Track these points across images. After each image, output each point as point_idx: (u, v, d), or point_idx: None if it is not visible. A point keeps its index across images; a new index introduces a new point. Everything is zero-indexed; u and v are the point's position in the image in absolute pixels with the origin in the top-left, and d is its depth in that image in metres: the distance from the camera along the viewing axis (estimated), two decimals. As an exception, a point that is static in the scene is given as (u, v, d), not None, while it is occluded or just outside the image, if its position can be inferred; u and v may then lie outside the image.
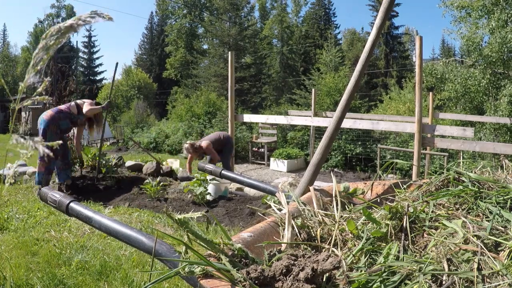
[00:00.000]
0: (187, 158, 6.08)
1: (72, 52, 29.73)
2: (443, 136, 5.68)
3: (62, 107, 5.11)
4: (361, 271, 0.84)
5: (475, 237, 0.86)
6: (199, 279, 0.82)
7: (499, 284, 0.73)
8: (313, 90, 10.27)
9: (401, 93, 19.10)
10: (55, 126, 4.87)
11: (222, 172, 2.02)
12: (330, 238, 1.05)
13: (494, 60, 10.37)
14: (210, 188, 4.68)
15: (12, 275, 2.35)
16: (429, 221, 0.99)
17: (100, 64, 40.69)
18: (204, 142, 5.82)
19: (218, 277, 0.81)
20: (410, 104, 15.19)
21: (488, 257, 0.79)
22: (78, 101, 5.20)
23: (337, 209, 1.16)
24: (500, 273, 0.75)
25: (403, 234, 0.95)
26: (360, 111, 15.27)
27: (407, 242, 0.91)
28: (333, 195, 1.34)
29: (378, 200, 1.34)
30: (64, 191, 4.78)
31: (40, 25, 40.53)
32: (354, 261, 0.91)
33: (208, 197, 4.55)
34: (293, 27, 32.94)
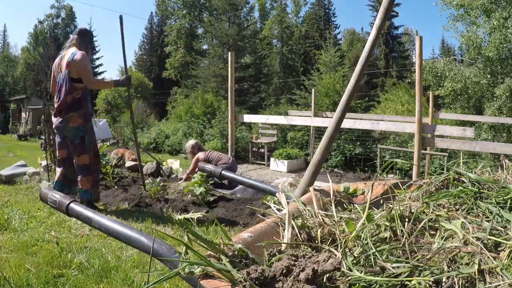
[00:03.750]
0: (191, 162, 5.68)
1: (72, 53, 29.59)
2: (443, 136, 5.68)
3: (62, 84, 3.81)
4: (361, 272, 0.84)
5: (475, 238, 0.86)
6: (199, 279, 0.82)
7: (499, 284, 0.73)
8: (313, 90, 10.26)
9: (394, 94, 19.13)
10: (91, 123, 4.06)
11: (222, 172, 2.05)
12: (330, 238, 1.05)
13: (493, 58, 10.39)
14: None
15: (12, 275, 2.35)
16: (429, 222, 0.98)
17: (100, 65, 40.59)
18: (201, 155, 5.60)
19: (218, 278, 0.81)
20: (409, 105, 15.21)
21: (488, 257, 0.79)
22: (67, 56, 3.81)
23: (335, 210, 1.16)
24: (500, 273, 0.75)
25: (403, 235, 0.95)
26: (358, 111, 15.27)
27: (407, 243, 0.91)
28: (331, 196, 1.34)
29: (380, 201, 1.34)
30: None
31: (40, 26, 40.47)
32: (355, 262, 0.91)
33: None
34: (293, 27, 32.97)
